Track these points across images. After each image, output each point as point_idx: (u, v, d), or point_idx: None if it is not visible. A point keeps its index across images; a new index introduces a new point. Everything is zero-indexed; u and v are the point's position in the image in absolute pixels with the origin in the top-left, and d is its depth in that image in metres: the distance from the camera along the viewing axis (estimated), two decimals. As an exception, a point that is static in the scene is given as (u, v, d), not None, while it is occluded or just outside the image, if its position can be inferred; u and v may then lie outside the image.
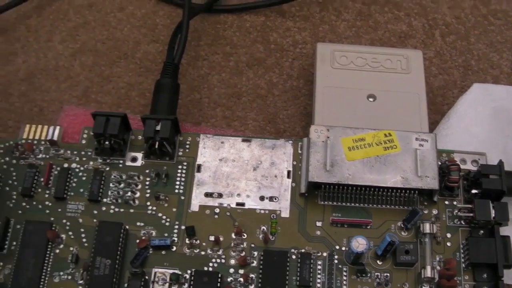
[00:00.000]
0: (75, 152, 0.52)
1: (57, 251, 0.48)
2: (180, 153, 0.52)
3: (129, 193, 0.50)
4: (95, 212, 0.50)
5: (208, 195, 0.51)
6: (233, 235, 0.49)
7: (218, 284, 0.46)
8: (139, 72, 0.61)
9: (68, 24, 0.64)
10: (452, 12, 0.65)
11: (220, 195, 0.50)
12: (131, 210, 0.50)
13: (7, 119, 0.59)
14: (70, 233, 0.49)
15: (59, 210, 0.50)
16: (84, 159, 0.52)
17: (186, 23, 0.58)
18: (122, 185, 0.51)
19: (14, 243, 0.48)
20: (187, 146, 0.52)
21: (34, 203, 0.50)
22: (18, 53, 0.62)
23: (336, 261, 0.48)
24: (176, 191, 0.51)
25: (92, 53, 0.63)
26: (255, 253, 0.48)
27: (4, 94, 0.60)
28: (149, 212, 0.50)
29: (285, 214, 0.50)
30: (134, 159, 0.52)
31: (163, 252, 0.48)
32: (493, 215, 0.48)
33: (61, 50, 0.63)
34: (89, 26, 0.64)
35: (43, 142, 0.53)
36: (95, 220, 0.49)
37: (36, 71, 0.61)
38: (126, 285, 0.47)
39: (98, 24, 0.64)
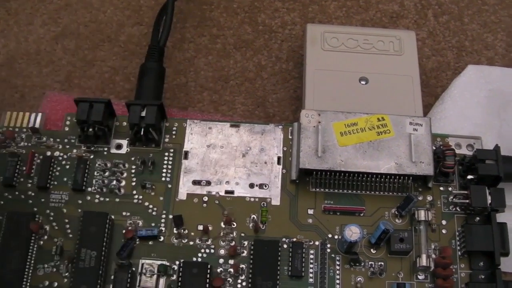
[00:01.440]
0: (58, 140, 0.51)
1: (41, 242, 0.47)
2: (167, 140, 0.51)
3: (114, 182, 0.49)
4: (80, 201, 0.49)
5: (196, 183, 0.49)
6: (222, 224, 0.48)
7: (208, 275, 0.45)
8: (123, 55, 0.59)
9: (49, 6, 0.62)
10: (445, -9, 0.64)
11: (208, 183, 0.49)
12: (117, 199, 0.49)
13: (-13, 105, 0.57)
14: (54, 223, 0.48)
15: (42, 200, 0.49)
16: (67, 147, 0.50)
17: (171, 4, 0.56)
18: (107, 174, 0.49)
19: (-4, 235, 0.47)
20: (174, 132, 0.51)
21: (16, 193, 0.49)
22: (-2, 37, 0.61)
23: (328, 250, 0.47)
24: (163, 179, 0.49)
25: (74, 36, 0.61)
26: (245, 242, 0.47)
27: (-17, 80, 0.58)
28: (135, 201, 0.49)
29: (276, 202, 0.48)
30: (119, 146, 0.50)
31: (150, 243, 0.47)
32: (489, 201, 0.47)
33: (43, 33, 0.61)
34: (71, 8, 0.62)
35: (24, 130, 0.51)
36: (79, 210, 0.48)
37: (16, 55, 0.59)
38: (112, 277, 0.45)
39: (80, 6, 0.62)
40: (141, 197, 0.49)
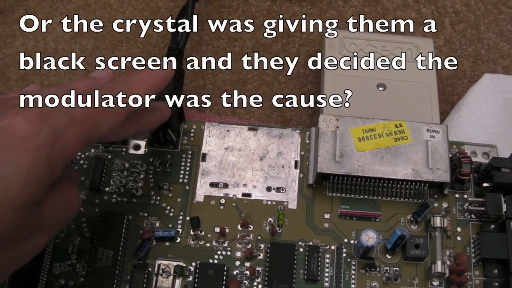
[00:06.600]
0: (76, 139, 0.51)
1: (57, 241, 0.47)
2: (185, 141, 0.51)
3: (132, 182, 0.49)
4: (97, 201, 0.49)
5: (213, 185, 0.49)
6: (239, 227, 0.48)
7: (224, 277, 0.45)
8: (141, 56, 0.60)
9: (68, 5, 0.62)
10: (461, -1, 0.64)
11: (225, 185, 0.49)
12: (134, 200, 0.49)
13: (5, 103, 0.57)
14: (71, 222, 0.48)
15: (60, 198, 0.49)
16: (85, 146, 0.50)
17: (191, 7, 0.56)
18: (124, 174, 0.50)
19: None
20: (192, 134, 0.51)
21: (34, 191, 0.49)
22: (16, 36, 0.61)
23: (344, 255, 0.47)
24: (180, 180, 0.49)
25: (92, 36, 0.61)
26: (262, 245, 0.47)
27: (2, 78, 0.58)
28: (152, 202, 0.49)
29: (293, 205, 0.49)
30: (137, 147, 0.51)
31: (167, 244, 0.47)
32: (504, 209, 0.47)
33: (61, 32, 0.61)
34: (90, 8, 0.62)
35: (43, 128, 0.51)
36: (96, 210, 0.48)
37: (34, 54, 0.59)
38: (128, 277, 0.46)
39: (98, 6, 0.63)
40: (158, 198, 0.49)
